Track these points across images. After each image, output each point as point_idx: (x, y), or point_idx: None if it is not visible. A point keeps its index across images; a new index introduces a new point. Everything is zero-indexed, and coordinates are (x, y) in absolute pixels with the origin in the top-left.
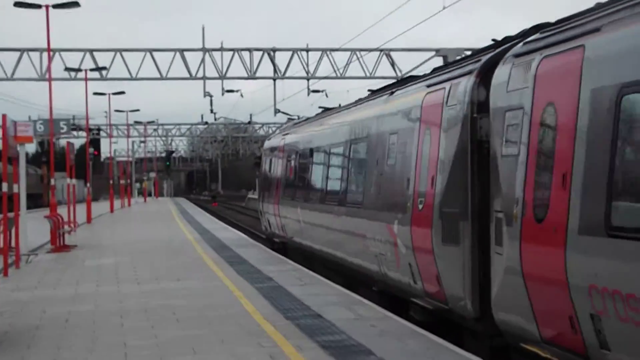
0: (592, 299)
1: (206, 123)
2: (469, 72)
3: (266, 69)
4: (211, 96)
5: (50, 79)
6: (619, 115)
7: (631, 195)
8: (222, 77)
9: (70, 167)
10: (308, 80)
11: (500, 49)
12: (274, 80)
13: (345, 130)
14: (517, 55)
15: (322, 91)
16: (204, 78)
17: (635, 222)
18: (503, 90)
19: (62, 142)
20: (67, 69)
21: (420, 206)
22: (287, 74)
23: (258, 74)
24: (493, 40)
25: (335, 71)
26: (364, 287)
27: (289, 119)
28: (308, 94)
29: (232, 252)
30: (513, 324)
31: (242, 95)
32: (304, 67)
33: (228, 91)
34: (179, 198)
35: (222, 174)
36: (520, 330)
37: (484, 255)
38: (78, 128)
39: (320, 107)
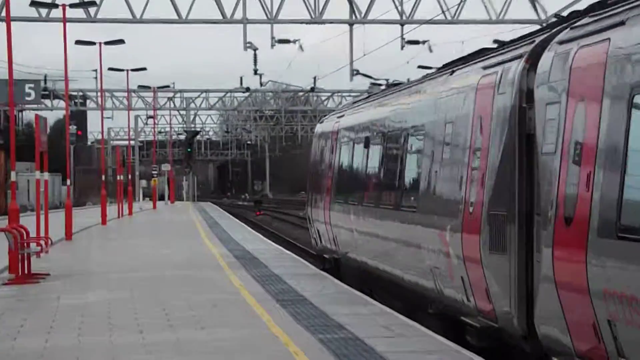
0: (607, 303)
1: (247, 90)
2: (520, 56)
3: (339, 8)
4: (255, 49)
5: (8, 18)
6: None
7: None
8: (272, 20)
9: (41, 153)
10: (402, 25)
11: (555, 29)
12: (351, 25)
13: (402, 115)
14: (561, 43)
15: (424, 42)
16: (245, 21)
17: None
18: (546, 80)
19: (29, 115)
20: (35, 3)
21: (471, 209)
22: (370, 16)
23: (326, 16)
24: (557, 16)
25: (443, 12)
26: (421, 310)
27: (372, 84)
28: (402, 47)
29: (285, 284)
30: (552, 338)
31: (301, 48)
32: (395, 7)
33: (280, 42)
34: (205, 203)
35: (271, 167)
36: (559, 344)
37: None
38: (53, 95)
39: (419, 67)
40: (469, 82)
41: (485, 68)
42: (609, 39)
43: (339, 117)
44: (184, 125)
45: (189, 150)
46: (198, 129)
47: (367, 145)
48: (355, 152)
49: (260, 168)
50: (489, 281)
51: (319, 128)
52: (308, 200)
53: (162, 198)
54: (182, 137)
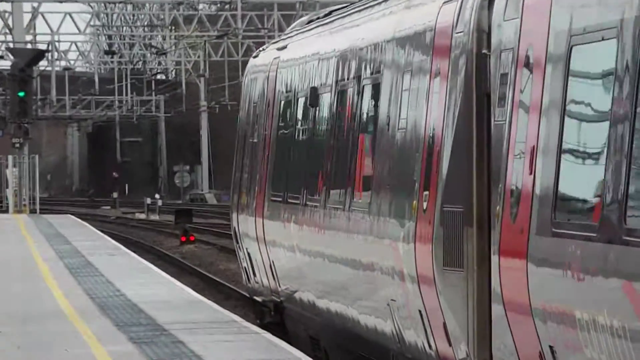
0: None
1: None
2: None
3: None
4: None
5: None
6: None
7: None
8: None
9: None
10: None
11: None
12: None
13: (356, 56)
14: None
15: None
16: None
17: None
18: (501, 18)
19: None
20: None
21: (425, 206)
22: None
23: None
24: None
25: None
26: None
27: None
28: None
29: None
30: None
31: None
32: None
33: None
34: (58, 216)
35: (212, 133)
36: None
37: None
38: None
39: None
40: (427, 14)
41: None
42: None
43: (279, 49)
44: (8, 38)
45: (21, 94)
46: (44, 47)
47: (313, 103)
48: (298, 115)
49: (188, 138)
50: (445, 313)
51: (251, 67)
52: (233, 199)
53: None
54: (5, 65)
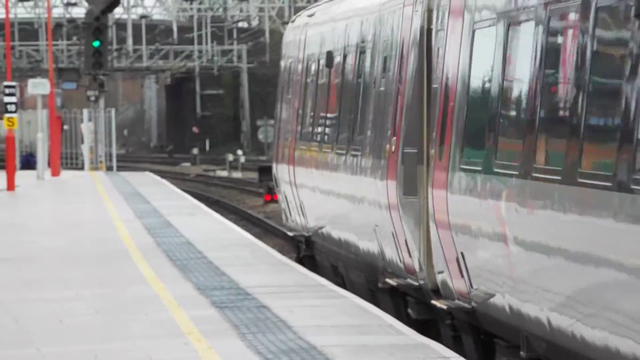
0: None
1: None
2: None
3: None
4: None
5: None
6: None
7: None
8: None
9: None
10: None
11: None
12: None
13: (357, 27)
14: None
15: None
16: None
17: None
18: (440, 2)
19: None
20: None
21: (393, 147)
22: None
23: None
24: None
25: None
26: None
27: None
28: None
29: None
30: (444, 283)
31: None
32: None
33: None
34: (136, 174)
35: None
36: (447, 289)
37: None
38: None
39: None
40: None
41: None
42: None
43: (309, 16)
44: None
45: (96, 44)
46: None
47: (329, 64)
48: (319, 74)
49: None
50: (406, 232)
51: (288, 32)
52: (275, 148)
53: (28, 164)
54: (79, 13)
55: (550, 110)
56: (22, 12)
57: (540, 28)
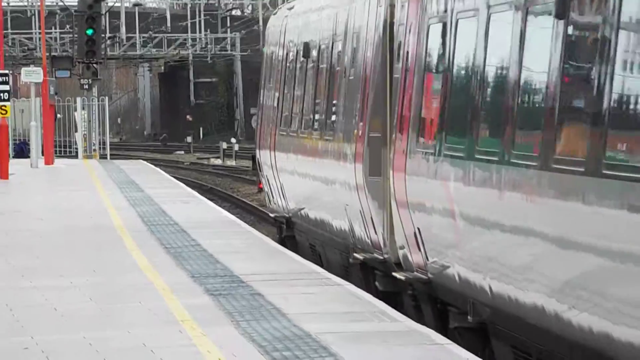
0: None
1: None
2: None
3: None
4: None
5: None
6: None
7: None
8: None
9: None
10: None
11: None
12: None
13: (329, 18)
14: None
15: None
16: None
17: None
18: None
19: None
20: None
21: (360, 132)
22: None
23: None
24: None
25: None
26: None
27: None
28: None
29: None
30: (405, 258)
31: None
32: None
33: None
34: (129, 161)
35: None
36: (407, 262)
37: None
38: None
39: None
40: None
41: None
42: None
43: (289, 9)
44: None
45: (89, 32)
46: None
47: (306, 54)
48: (298, 64)
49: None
50: (371, 210)
51: (270, 24)
52: (258, 135)
53: (22, 152)
54: (72, 2)
55: (489, 99)
56: (15, 1)
57: (484, 24)
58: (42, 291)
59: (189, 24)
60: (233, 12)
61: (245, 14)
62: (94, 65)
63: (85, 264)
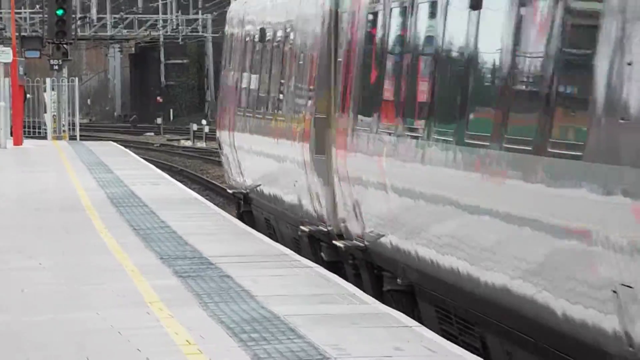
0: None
1: None
2: None
3: None
4: None
5: None
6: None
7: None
8: None
9: None
10: None
11: None
12: None
13: (282, 7)
14: None
15: None
16: None
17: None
18: None
19: None
20: None
21: (308, 113)
22: None
23: None
24: None
25: None
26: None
27: None
28: None
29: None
30: (348, 230)
31: None
32: None
33: None
34: (100, 143)
35: None
36: (349, 234)
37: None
38: None
39: None
40: None
41: None
42: None
43: None
44: None
45: (59, 12)
46: None
47: (262, 39)
48: (255, 48)
49: None
50: (317, 185)
51: (231, 8)
52: (218, 114)
53: None
54: None
55: (414, 82)
56: None
57: (411, 14)
58: (10, 272)
59: (160, 5)
60: None
61: None
62: (64, 45)
63: (54, 245)
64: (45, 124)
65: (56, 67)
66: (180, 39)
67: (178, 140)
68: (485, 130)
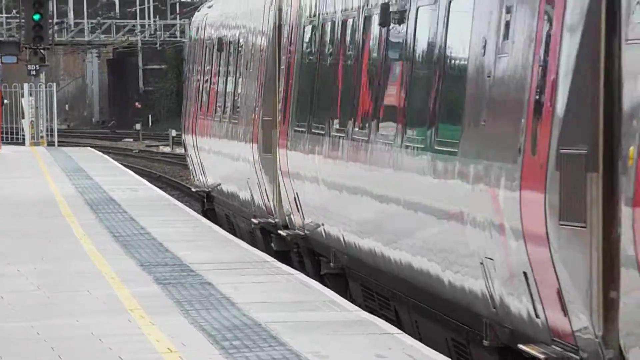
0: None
1: None
2: None
3: None
4: None
5: None
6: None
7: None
8: None
9: None
10: None
11: None
12: None
13: (236, 19)
14: None
15: None
16: None
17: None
18: (286, 3)
19: None
20: None
21: (257, 116)
22: None
23: None
24: None
25: None
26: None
27: None
28: None
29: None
30: (289, 219)
31: None
32: None
33: None
34: (77, 149)
35: None
36: (292, 223)
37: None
38: None
39: None
40: None
41: None
42: None
43: (209, 7)
44: None
45: (36, 17)
46: None
47: (219, 48)
48: (214, 56)
49: None
50: (265, 182)
51: (194, 19)
52: (183, 118)
53: None
54: None
55: (340, 88)
56: None
57: (338, 28)
58: None
59: (138, 10)
60: None
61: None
62: (42, 51)
63: (33, 251)
64: (23, 130)
65: (33, 73)
66: (158, 44)
67: (157, 146)
68: (389, 131)
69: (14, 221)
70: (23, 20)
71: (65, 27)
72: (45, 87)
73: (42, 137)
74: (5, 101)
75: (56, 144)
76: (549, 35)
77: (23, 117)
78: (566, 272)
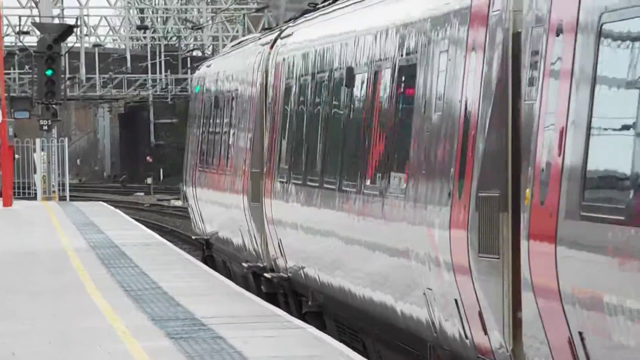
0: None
1: None
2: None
3: None
4: None
5: None
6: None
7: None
8: None
9: None
10: None
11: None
12: None
13: (231, 79)
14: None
15: None
16: None
17: None
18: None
19: None
20: None
21: (246, 168)
22: None
23: None
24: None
25: None
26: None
27: None
28: None
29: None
30: (275, 263)
31: None
32: None
33: None
34: (90, 203)
35: None
36: (277, 267)
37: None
38: None
39: None
40: (249, 59)
41: (263, 44)
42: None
43: (207, 67)
44: (35, 13)
45: (49, 73)
46: (72, 22)
47: (216, 105)
48: (211, 112)
49: None
50: (254, 229)
51: (194, 78)
52: (184, 171)
53: None
54: (31, 42)
55: (311, 141)
56: None
57: (311, 88)
58: (0, 336)
59: (149, 65)
60: (194, 53)
61: (206, 54)
62: (54, 106)
63: (45, 307)
64: (35, 185)
65: (45, 128)
66: (169, 99)
67: (168, 200)
68: (352, 180)
69: (26, 276)
70: (35, 76)
71: (77, 82)
72: (57, 142)
73: (54, 191)
74: (17, 156)
75: (68, 198)
76: (472, 96)
77: (35, 172)
78: (484, 297)
